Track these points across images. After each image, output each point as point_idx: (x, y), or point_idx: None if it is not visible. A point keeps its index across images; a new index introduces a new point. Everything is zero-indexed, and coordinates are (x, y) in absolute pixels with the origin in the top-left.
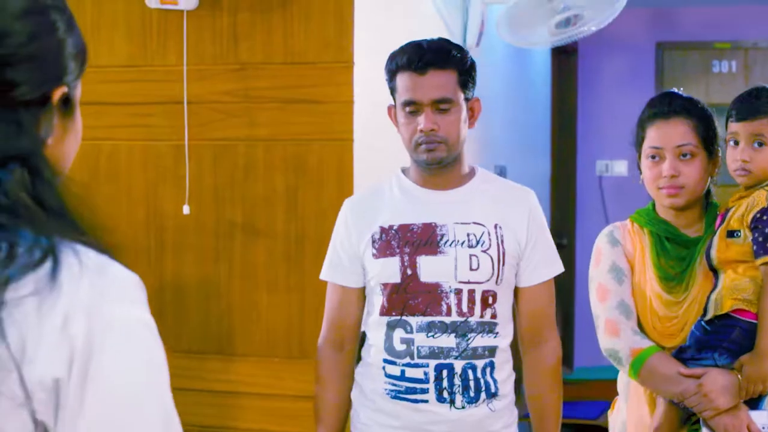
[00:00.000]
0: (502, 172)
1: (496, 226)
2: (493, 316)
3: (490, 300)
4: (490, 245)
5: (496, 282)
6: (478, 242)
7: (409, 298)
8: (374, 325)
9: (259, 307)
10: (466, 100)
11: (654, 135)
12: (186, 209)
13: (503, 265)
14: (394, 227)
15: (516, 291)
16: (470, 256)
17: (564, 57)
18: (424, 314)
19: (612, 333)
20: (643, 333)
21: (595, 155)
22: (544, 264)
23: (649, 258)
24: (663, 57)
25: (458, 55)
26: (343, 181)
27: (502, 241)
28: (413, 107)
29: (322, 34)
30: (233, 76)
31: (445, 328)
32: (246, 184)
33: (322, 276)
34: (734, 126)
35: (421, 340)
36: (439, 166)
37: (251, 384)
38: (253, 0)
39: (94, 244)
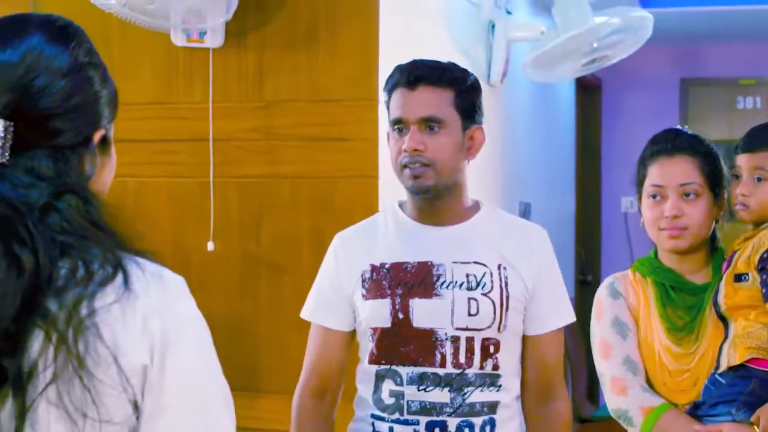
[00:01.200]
0: (527, 209)
1: (499, 267)
2: (495, 367)
3: (492, 349)
4: (492, 288)
5: (499, 329)
6: (478, 284)
7: (399, 344)
8: (363, 375)
9: (286, 344)
10: (465, 126)
11: (656, 173)
12: (210, 246)
13: (507, 310)
14: (386, 266)
15: (523, 340)
16: (469, 299)
17: (588, 93)
18: (415, 364)
19: (619, 392)
20: (653, 390)
21: (620, 192)
22: (554, 311)
23: (655, 309)
24: (687, 93)
25: (457, 73)
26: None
27: (506, 284)
28: (400, 125)
29: (348, 71)
30: (259, 114)
31: (438, 381)
32: (271, 221)
33: (304, 314)
34: (738, 158)
35: (411, 393)
36: (429, 196)
37: (277, 421)
38: (279, 38)
39: (140, 252)
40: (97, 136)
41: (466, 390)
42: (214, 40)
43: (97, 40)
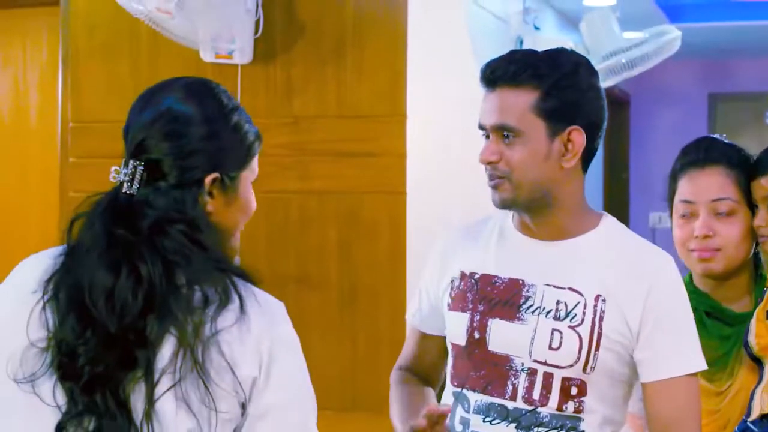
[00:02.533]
0: None
1: (597, 298)
2: (578, 410)
3: (575, 391)
4: (582, 321)
5: (585, 369)
6: (567, 315)
7: (471, 367)
8: (447, 394)
9: (312, 358)
10: (555, 131)
11: (686, 187)
12: (237, 260)
13: (597, 349)
14: (476, 276)
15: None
16: (553, 330)
17: (616, 108)
18: (484, 392)
19: (637, 430)
20: None
21: (648, 207)
22: (670, 356)
23: None
24: (716, 108)
25: (543, 69)
26: (396, 233)
27: (600, 318)
28: (483, 132)
29: (376, 87)
30: (287, 130)
31: (505, 415)
32: (299, 236)
33: (407, 316)
34: (762, 181)
35: (476, 423)
36: (513, 209)
37: None
38: (307, 54)
39: (240, 271)
40: (208, 180)
41: (536, 430)
42: (243, 56)
43: (125, 56)
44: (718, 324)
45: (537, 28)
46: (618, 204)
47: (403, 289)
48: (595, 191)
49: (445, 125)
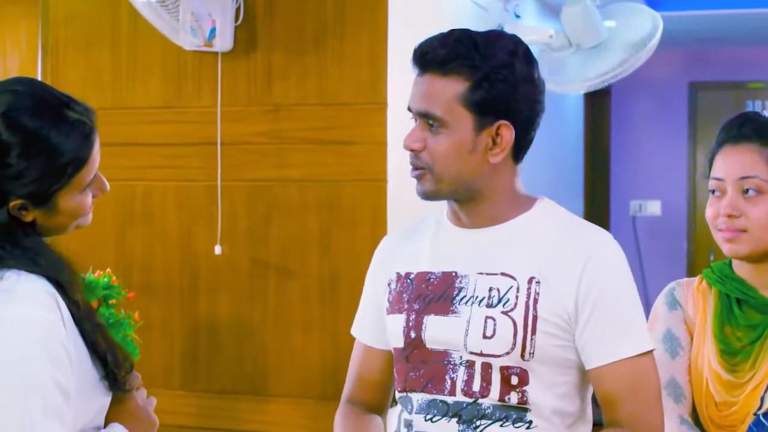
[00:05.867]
0: None
1: (531, 281)
2: (522, 401)
3: (515, 380)
4: (515, 306)
5: (522, 356)
6: (499, 300)
7: (410, 368)
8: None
9: (293, 347)
10: (482, 124)
11: (718, 164)
12: (218, 249)
13: (533, 334)
14: (411, 275)
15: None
16: (486, 318)
17: (597, 98)
18: (423, 390)
19: None
20: (696, 423)
21: (629, 195)
22: (617, 336)
23: (711, 325)
24: (696, 97)
25: (476, 59)
26: (376, 222)
27: (535, 301)
28: (411, 116)
29: (356, 75)
30: (267, 118)
31: (445, 410)
32: (279, 224)
33: (351, 330)
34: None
35: (419, 423)
36: (436, 200)
37: (285, 425)
38: (288, 42)
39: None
40: (11, 206)
41: (478, 423)
42: (223, 44)
43: (106, 44)
44: (748, 311)
45: (518, 17)
46: (598, 192)
47: None
48: (576, 179)
49: (413, 126)
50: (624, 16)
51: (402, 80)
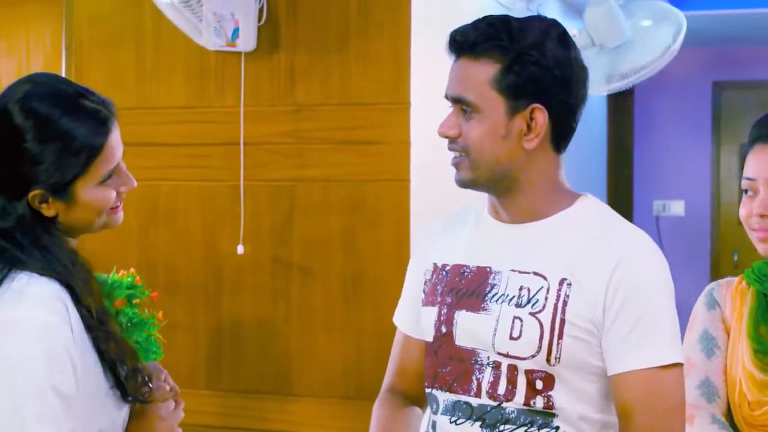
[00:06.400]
0: None
1: (562, 282)
2: (548, 406)
3: (540, 385)
4: (543, 307)
5: (548, 360)
6: (528, 301)
7: (439, 365)
8: None
9: (317, 347)
10: (516, 108)
11: (751, 163)
12: (240, 249)
13: (560, 338)
14: (447, 267)
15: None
16: (514, 318)
17: (620, 97)
18: (450, 390)
19: (687, 419)
20: (729, 423)
21: (652, 195)
22: (638, 344)
23: (746, 324)
24: (720, 96)
25: (506, 42)
26: (399, 222)
27: (564, 303)
28: (450, 104)
29: (379, 75)
30: (290, 118)
31: (470, 413)
32: (302, 224)
33: (393, 318)
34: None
35: (443, 425)
36: (476, 189)
37: (308, 424)
38: (311, 42)
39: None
40: (30, 196)
41: (502, 428)
42: (247, 44)
43: (129, 44)
44: None
45: None
46: (622, 191)
47: None
48: (599, 179)
49: (449, 113)
50: (647, 16)
51: (425, 80)
